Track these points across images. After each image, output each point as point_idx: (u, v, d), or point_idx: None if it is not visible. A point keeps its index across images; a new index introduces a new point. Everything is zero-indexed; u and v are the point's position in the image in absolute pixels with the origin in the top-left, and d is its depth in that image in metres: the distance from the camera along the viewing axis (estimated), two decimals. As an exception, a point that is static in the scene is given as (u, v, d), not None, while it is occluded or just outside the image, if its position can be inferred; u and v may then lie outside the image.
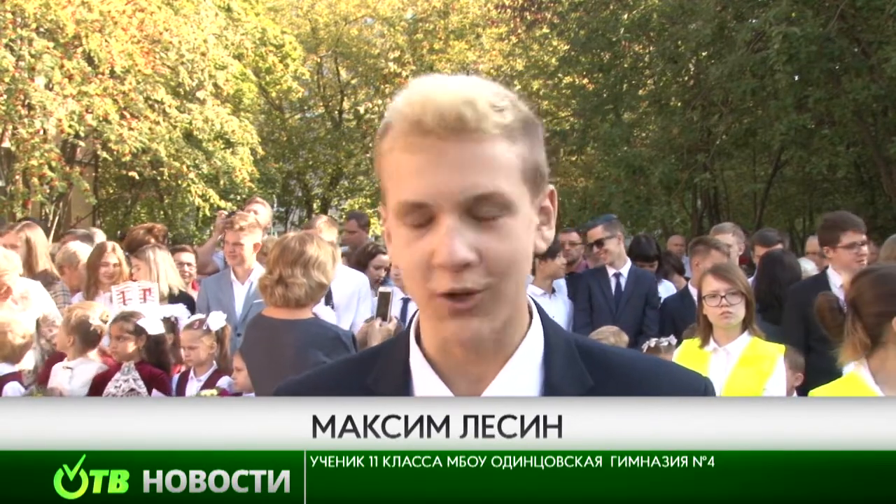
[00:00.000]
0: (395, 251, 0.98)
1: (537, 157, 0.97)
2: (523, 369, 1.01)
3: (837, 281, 4.37)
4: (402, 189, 0.94)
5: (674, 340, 4.10)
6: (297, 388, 1.12)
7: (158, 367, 4.29)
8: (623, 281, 5.22)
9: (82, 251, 5.39)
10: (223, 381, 4.19)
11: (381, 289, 4.31)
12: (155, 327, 4.28)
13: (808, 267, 5.50)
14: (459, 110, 0.90)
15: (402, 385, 1.03)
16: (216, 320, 4.28)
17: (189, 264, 5.47)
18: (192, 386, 4.26)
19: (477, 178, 0.91)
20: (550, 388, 1.01)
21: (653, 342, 4.18)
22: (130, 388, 4.16)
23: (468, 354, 0.99)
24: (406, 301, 4.90)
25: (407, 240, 0.94)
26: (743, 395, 3.38)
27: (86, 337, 4.29)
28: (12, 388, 4.25)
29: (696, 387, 1.04)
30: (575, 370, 1.03)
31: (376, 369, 1.07)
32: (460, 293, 0.92)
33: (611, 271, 5.26)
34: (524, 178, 0.95)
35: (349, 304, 4.79)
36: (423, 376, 1.02)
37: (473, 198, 0.91)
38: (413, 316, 1.05)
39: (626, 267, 5.29)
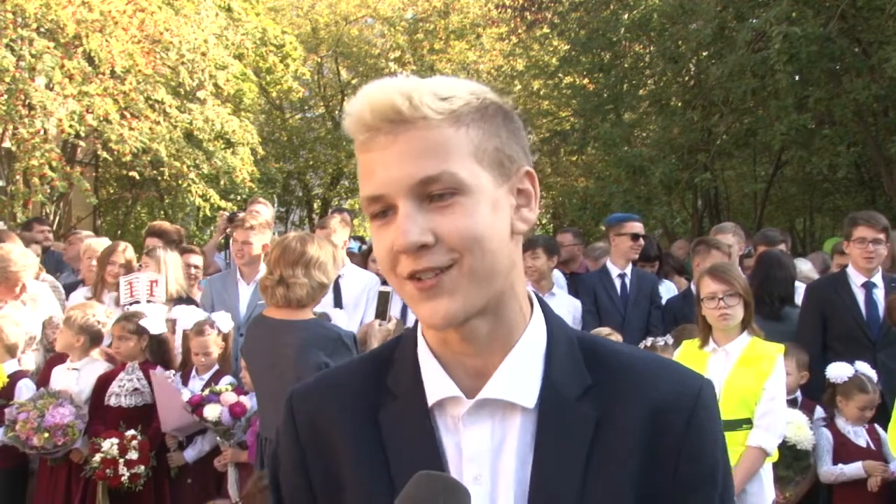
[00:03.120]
0: (373, 246, 1.01)
1: (497, 142, 0.98)
2: (524, 363, 1.02)
3: (858, 280, 4.37)
4: (363, 186, 0.97)
5: (671, 340, 4.11)
6: (313, 390, 1.12)
7: (162, 367, 4.29)
8: (628, 281, 5.23)
9: (96, 244, 5.43)
10: (224, 381, 4.18)
11: (381, 288, 4.32)
12: (157, 327, 4.28)
13: (805, 268, 5.51)
14: (392, 101, 0.93)
15: (415, 381, 1.04)
16: (224, 322, 4.28)
17: (196, 266, 5.48)
18: (195, 385, 4.27)
19: (422, 162, 0.93)
20: (550, 382, 1.01)
21: (649, 341, 4.20)
22: (134, 388, 4.17)
23: (458, 344, 1.00)
24: (407, 301, 4.89)
25: (376, 233, 0.98)
26: (742, 394, 3.38)
27: (92, 337, 4.30)
28: (26, 385, 4.26)
29: (693, 385, 1.04)
30: (575, 366, 1.04)
31: (394, 368, 1.08)
32: (422, 272, 0.94)
33: (615, 272, 5.26)
34: (478, 160, 0.96)
35: (358, 303, 4.79)
36: (430, 370, 1.04)
37: (420, 181, 0.93)
38: None
39: (629, 267, 5.30)
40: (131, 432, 4.01)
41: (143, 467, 3.98)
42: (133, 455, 3.96)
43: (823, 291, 4.51)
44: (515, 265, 1.01)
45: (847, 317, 4.35)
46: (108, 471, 3.94)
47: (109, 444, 3.96)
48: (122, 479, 3.94)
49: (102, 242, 5.53)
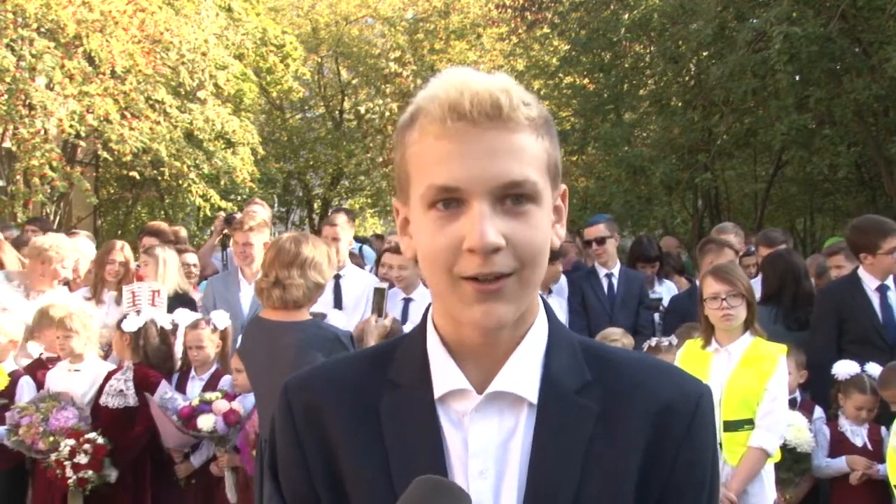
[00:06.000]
0: (418, 238, 0.99)
1: (557, 155, 1.01)
2: (528, 357, 1.02)
3: (872, 283, 4.35)
4: (433, 173, 0.94)
5: (675, 340, 4.08)
6: (309, 380, 1.11)
7: (160, 368, 4.25)
8: (615, 281, 5.21)
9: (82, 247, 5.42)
10: (224, 382, 4.17)
11: (376, 285, 4.29)
12: (132, 325, 4.23)
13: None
14: (497, 96, 0.93)
15: (421, 373, 1.04)
16: (221, 319, 4.27)
17: (194, 265, 5.48)
18: (194, 385, 4.26)
19: (509, 165, 0.93)
20: (549, 378, 1.02)
21: (653, 342, 4.18)
22: (119, 390, 4.12)
23: (486, 341, 1.00)
24: (407, 301, 4.88)
25: (434, 225, 0.95)
26: (744, 394, 3.37)
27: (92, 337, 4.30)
28: (27, 382, 4.26)
29: (694, 391, 1.05)
30: (574, 364, 1.04)
31: (396, 361, 1.08)
32: (487, 277, 0.93)
33: (602, 272, 5.24)
34: (548, 172, 0.98)
35: (357, 304, 4.79)
36: (440, 362, 1.03)
37: (504, 184, 0.93)
38: (429, 306, 1.07)
39: (616, 268, 5.29)
40: (91, 435, 3.92)
41: (91, 472, 3.85)
42: (82, 459, 3.84)
43: (839, 295, 4.47)
44: None
45: (864, 320, 4.31)
46: (58, 471, 3.86)
47: (64, 445, 3.87)
48: (69, 482, 3.83)
49: (80, 242, 5.48)
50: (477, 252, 0.92)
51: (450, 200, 0.94)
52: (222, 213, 6.93)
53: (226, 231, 6.04)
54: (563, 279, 5.39)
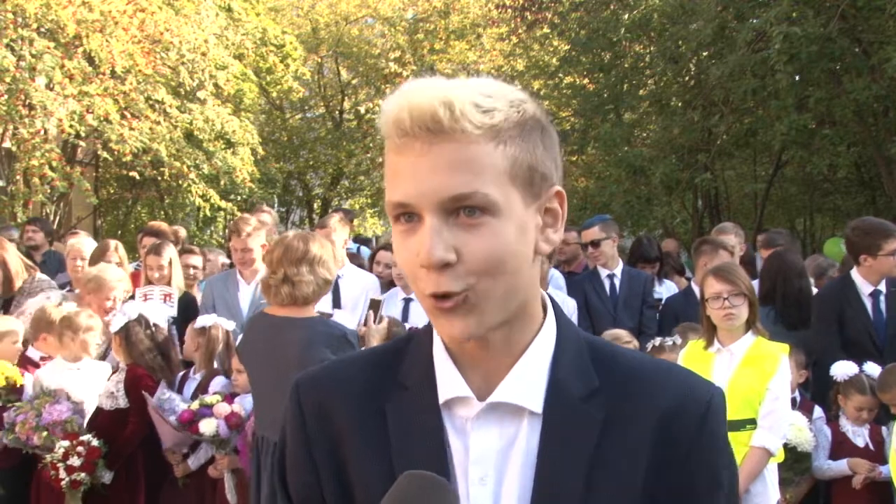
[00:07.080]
0: (394, 248, 1.00)
1: (534, 159, 0.96)
2: (533, 367, 1.02)
3: (866, 289, 4.35)
4: (390, 189, 0.95)
5: (679, 340, 4.07)
6: (320, 377, 1.11)
7: (157, 369, 4.24)
8: (617, 282, 5.20)
9: (79, 245, 5.43)
10: (216, 383, 4.13)
11: (372, 297, 4.31)
12: (117, 324, 4.22)
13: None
14: (434, 111, 0.91)
15: (427, 377, 1.04)
16: (204, 319, 4.27)
17: (195, 267, 5.48)
18: (191, 385, 4.26)
19: (455, 178, 0.91)
20: (556, 384, 1.01)
21: (657, 341, 4.16)
22: (111, 392, 4.11)
23: (482, 349, 1.00)
24: (407, 301, 4.89)
25: (400, 237, 0.96)
26: (746, 394, 3.37)
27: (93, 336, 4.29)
28: (33, 381, 4.26)
29: (704, 393, 1.04)
30: (582, 369, 1.03)
31: (405, 363, 1.08)
32: (439, 295, 0.93)
33: (604, 273, 5.22)
34: (513, 179, 0.94)
35: (356, 305, 4.79)
36: (443, 368, 1.03)
37: (450, 198, 0.91)
38: None
39: (619, 268, 5.26)
40: (85, 437, 3.91)
41: (84, 475, 3.85)
42: (75, 461, 3.84)
43: (835, 297, 4.47)
44: (534, 280, 1.01)
45: (858, 323, 4.32)
46: (52, 473, 3.86)
47: (59, 446, 3.87)
48: (62, 483, 3.83)
49: (85, 242, 5.51)
50: (427, 268, 0.92)
51: (410, 214, 0.94)
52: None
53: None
54: (560, 277, 5.39)
